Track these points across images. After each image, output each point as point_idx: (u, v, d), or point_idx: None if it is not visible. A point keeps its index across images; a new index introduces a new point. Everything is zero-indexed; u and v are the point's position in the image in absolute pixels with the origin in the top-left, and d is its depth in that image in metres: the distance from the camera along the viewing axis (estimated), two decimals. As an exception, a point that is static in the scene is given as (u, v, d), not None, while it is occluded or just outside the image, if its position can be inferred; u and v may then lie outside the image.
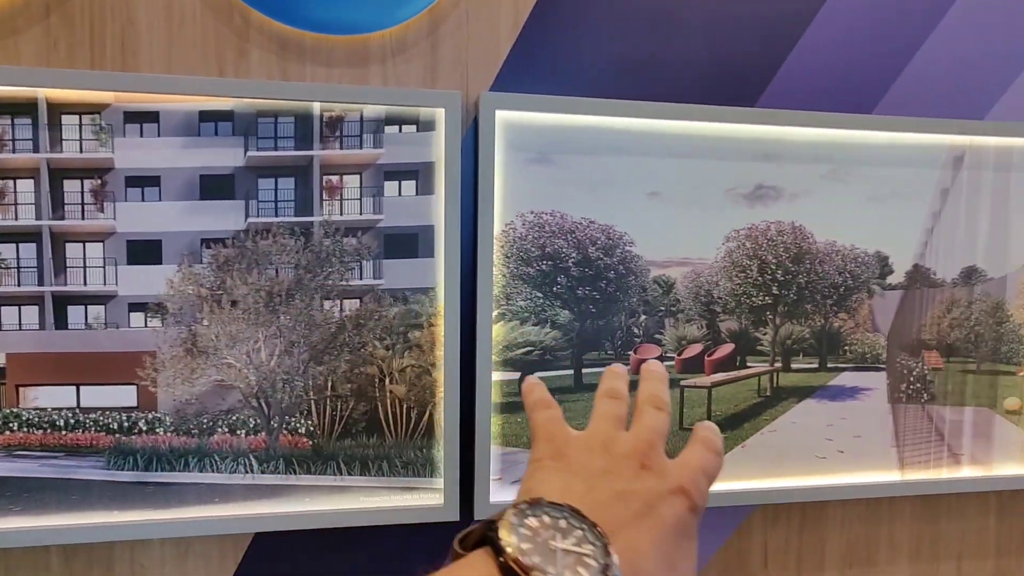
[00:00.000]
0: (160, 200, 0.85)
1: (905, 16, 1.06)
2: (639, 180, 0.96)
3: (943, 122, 1.05)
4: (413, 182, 0.91)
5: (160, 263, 0.85)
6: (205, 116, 0.85)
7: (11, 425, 0.83)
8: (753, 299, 1.01)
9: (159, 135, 0.84)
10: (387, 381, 0.91)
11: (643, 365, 0.42)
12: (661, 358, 0.99)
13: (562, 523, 0.28)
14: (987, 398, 1.10)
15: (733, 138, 0.99)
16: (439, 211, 0.91)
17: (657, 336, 0.99)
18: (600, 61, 0.97)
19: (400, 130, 0.90)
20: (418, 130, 0.90)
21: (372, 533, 0.94)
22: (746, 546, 1.06)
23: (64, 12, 0.84)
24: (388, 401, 0.91)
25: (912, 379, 1.08)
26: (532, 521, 0.28)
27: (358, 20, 0.89)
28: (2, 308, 0.82)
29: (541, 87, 0.95)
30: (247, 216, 0.87)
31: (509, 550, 0.26)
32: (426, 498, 0.92)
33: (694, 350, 1.00)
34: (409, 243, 0.91)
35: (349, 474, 0.90)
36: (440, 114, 0.90)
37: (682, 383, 1.00)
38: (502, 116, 0.91)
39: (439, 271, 0.91)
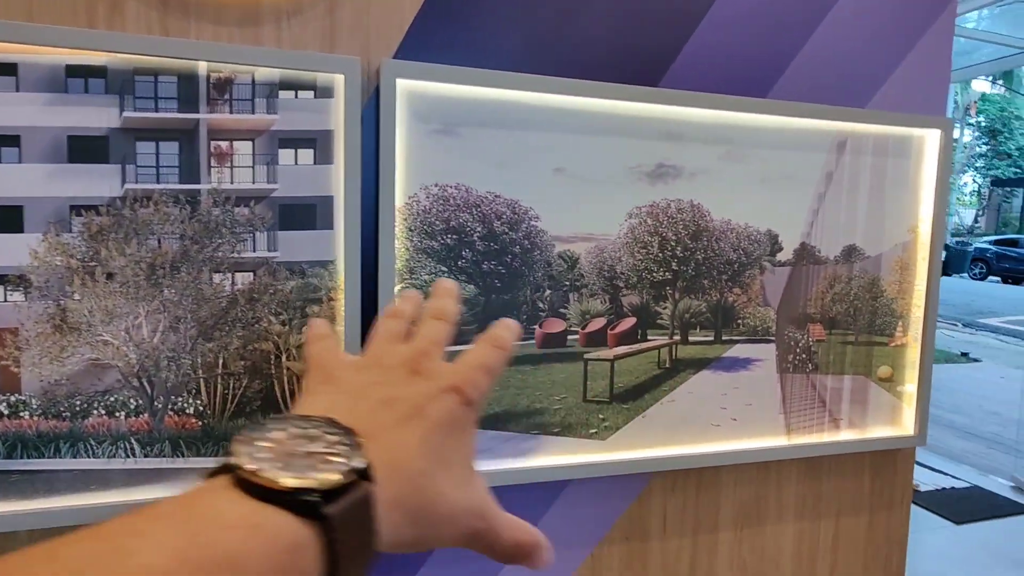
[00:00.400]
0: (20, 162, 0.77)
1: (798, 6, 1.11)
2: (545, 155, 0.97)
3: (829, 109, 1.11)
4: (311, 151, 0.87)
5: (22, 231, 0.78)
6: (73, 71, 0.78)
7: None
8: (654, 274, 1.05)
9: (17, 90, 0.76)
10: (284, 358, 0.87)
11: (435, 281, 0.40)
12: (566, 332, 1.00)
13: (312, 431, 0.28)
14: (863, 367, 1.19)
15: (637, 117, 1.01)
16: (338, 181, 0.88)
17: (562, 310, 1.00)
18: (506, 35, 0.96)
19: (296, 96, 0.86)
20: (316, 96, 0.86)
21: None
22: (646, 512, 1.11)
23: (-102, -55, 0.74)
24: (285, 378, 0.88)
25: (798, 350, 1.15)
26: (276, 435, 0.27)
27: (249, -24, 0.84)
28: None
29: (446, 57, 0.93)
30: (124, 182, 0.80)
31: (242, 462, 0.25)
32: (327, 477, 0.89)
33: (598, 324, 1.02)
34: (306, 214, 0.87)
35: (243, 455, 0.87)
36: (339, 80, 0.86)
37: (586, 356, 1.02)
38: (405, 85, 0.89)
39: (339, 243, 0.88)
